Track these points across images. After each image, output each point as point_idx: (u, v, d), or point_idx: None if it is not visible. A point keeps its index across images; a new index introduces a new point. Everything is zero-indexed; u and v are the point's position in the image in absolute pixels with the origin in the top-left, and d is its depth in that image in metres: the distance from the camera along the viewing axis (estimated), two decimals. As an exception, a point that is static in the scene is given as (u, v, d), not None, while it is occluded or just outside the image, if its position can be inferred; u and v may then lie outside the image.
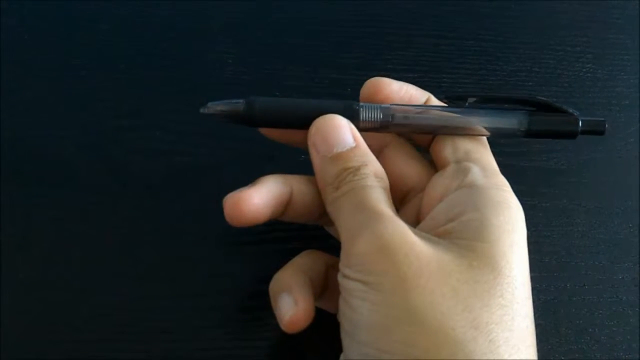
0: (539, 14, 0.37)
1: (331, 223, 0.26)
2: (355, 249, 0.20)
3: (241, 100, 0.24)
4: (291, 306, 0.22)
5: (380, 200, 0.21)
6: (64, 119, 0.31)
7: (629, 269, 0.30)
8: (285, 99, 0.24)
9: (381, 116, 0.23)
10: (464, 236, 0.20)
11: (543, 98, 0.25)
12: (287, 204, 0.24)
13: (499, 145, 0.32)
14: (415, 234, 0.20)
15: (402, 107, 0.24)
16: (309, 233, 0.28)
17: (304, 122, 0.23)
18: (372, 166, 0.22)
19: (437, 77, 0.34)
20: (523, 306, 0.20)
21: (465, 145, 0.24)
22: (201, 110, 0.24)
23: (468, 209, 0.21)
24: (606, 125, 0.24)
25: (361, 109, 0.23)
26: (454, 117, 0.24)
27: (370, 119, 0.23)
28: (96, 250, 0.28)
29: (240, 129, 0.31)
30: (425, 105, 0.24)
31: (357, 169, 0.21)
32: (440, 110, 0.24)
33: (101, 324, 0.27)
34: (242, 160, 0.30)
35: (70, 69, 0.33)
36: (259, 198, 0.22)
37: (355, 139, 0.22)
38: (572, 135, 0.24)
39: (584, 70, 0.35)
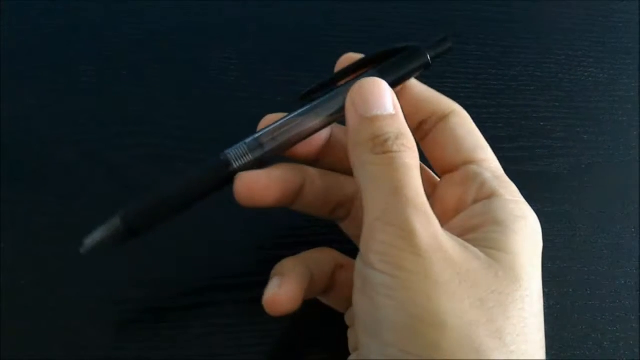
0: (541, 19, 0.37)
1: (342, 219, 0.26)
2: (385, 236, 0.19)
3: (116, 219, 0.22)
4: (273, 288, 0.22)
5: (418, 188, 0.20)
6: (65, 125, 0.31)
7: (632, 274, 0.30)
8: (155, 192, 0.23)
9: (249, 151, 0.23)
10: (486, 245, 0.20)
11: (383, 49, 0.24)
12: (298, 193, 0.24)
13: (501, 150, 0.32)
14: (448, 235, 0.20)
15: (265, 131, 0.23)
16: (312, 239, 0.28)
17: (188, 201, 0.23)
18: (410, 138, 0.21)
19: (439, 82, 0.34)
20: (539, 319, 0.20)
21: (466, 143, 0.24)
22: (81, 252, 0.23)
23: (488, 222, 0.21)
24: (450, 42, 0.24)
25: (229, 155, 0.23)
26: (312, 115, 0.23)
27: (243, 160, 0.23)
28: (97, 256, 0.28)
29: (243, 133, 0.31)
30: (286, 116, 0.24)
31: (396, 137, 0.20)
32: (300, 116, 0.23)
33: (101, 330, 0.27)
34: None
35: (72, 75, 0.33)
36: (269, 180, 0.23)
37: (394, 107, 0.21)
38: (424, 65, 0.24)
39: (586, 74, 0.35)
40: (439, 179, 0.26)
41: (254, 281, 0.26)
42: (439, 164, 0.25)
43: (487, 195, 0.22)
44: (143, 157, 0.30)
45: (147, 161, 0.30)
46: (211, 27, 0.35)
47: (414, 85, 0.25)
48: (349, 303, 0.24)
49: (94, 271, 0.28)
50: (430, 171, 0.26)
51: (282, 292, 0.22)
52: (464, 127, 0.24)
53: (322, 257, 0.24)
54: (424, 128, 0.25)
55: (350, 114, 0.22)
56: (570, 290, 0.29)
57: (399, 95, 0.24)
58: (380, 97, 0.21)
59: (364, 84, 0.22)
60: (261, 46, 0.34)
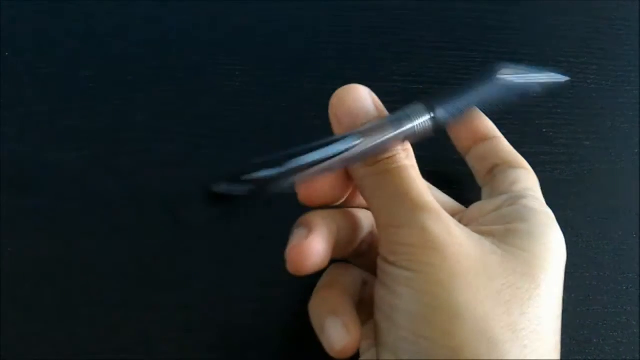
0: (544, 27, 0.37)
1: (363, 255, 0.25)
2: (401, 238, 0.20)
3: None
4: (343, 334, 0.21)
5: (419, 186, 0.20)
6: (70, 131, 0.31)
7: (634, 280, 0.30)
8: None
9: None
10: (507, 242, 0.21)
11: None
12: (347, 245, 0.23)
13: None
14: (459, 227, 0.20)
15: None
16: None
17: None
18: None
19: (441, 88, 0.34)
20: (556, 323, 0.20)
21: (521, 183, 0.25)
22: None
23: (516, 220, 0.22)
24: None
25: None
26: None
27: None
28: (101, 262, 0.28)
29: (252, 141, 0.31)
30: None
31: None
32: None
33: (101, 332, 0.27)
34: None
35: (77, 81, 0.33)
36: (321, 246, 0.21)
37: (377, 109, 0.21)
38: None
39: (588, 81, 0.36)
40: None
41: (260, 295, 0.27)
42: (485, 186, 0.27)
43: (522, 204, 0.23)
44: (150, 162, 0.31)
45: (154, 166, 0.31)
46: (217, 33, 0.35)
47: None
48: (366, 317, 0.24)
49: (95, 273, 0.28)
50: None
51: (353, 337, 0.21)
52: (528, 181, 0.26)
53: (353, 281, 0.24)
54: (494, 172, 0.27)
55: (336, 129, 0.22)
56: (572, 295, 0.29)
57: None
58: (363, 105, 0.21)
59: (342, 95, 0.21)
60: (266, 52, 0.35)
